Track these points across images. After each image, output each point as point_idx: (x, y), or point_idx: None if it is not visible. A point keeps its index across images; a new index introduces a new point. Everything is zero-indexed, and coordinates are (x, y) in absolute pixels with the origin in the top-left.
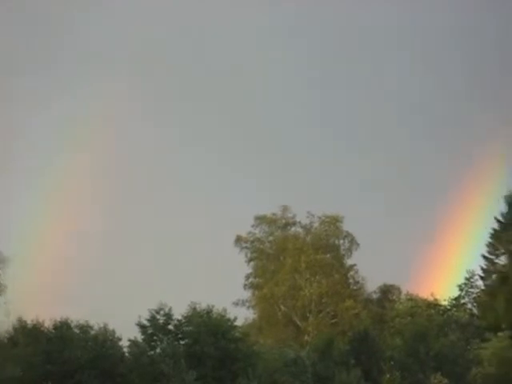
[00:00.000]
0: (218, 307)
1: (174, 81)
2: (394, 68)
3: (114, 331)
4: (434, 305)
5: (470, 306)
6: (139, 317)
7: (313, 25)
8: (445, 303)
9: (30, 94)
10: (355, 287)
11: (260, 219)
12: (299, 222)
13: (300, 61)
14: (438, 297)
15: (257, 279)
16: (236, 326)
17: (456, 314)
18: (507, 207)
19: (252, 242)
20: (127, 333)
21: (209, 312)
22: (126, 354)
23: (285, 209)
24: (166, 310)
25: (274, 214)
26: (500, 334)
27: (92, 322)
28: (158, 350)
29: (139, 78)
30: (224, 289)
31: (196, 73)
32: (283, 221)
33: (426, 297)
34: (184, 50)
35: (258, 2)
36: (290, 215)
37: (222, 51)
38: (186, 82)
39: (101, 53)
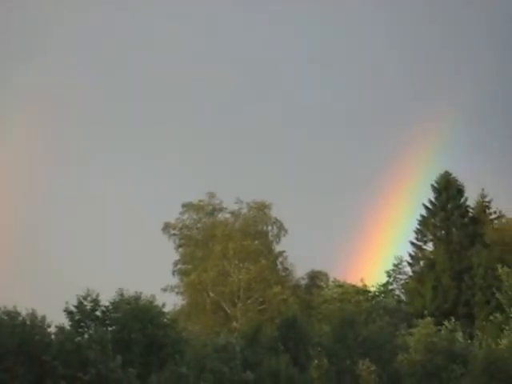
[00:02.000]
0: (146, 294)
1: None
2: (317, 53)
3: (44, 317)
4: (362, 291)
5: (398, 292)
6: (66, 303)
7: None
8: (373, 289)
9: None
10: (284, 274)
11: (187, 206)
12: (226, 209)
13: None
14: (366, 283)
15: (185, 266)
16: (164, 313)
17: (385, 300)
18: (435, 194)
19: (180, 228)
20: (59, 320)
21: (137, 298)
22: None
23: (211, 195)
24: (94, 296)
25: (201, 201)
26: (426, 319)
27: (20, 309)
28: (85, 336)
29: None
30: (153, 276)
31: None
32: (210, 207)
33: (354, 283)
34: None
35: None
36: (216, 202)
37: None
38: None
39: None
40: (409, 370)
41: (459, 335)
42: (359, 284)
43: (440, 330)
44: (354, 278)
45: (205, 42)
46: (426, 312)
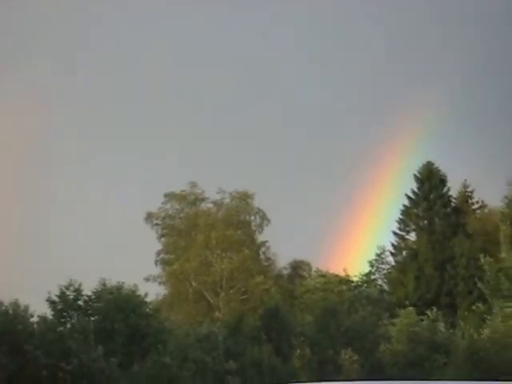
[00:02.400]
0: (129, 283)
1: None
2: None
3: (27, 307)
4: (345, 281)
5: (380, 281)
6: (49, 293)
7: None
8: (356, 279)
9: None
10: (266, 263)
11: (169, 196)
12: (208, 198)
13: None
14: (349, 273)
15: (168, 255)
16: (146, 302)
17: (367, 290)
18: (418, 184)
19: (163, 218)
20: (42, 310)
21: (119, 288)
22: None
23: (193, 185)
24: (76, 285)
25: (183, 191)
26: (408, 309)
27: (2, 298)
28: (68, 326)
29: None
30: (136, 265)
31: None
32: (193, 197)
33: (337, 273)
34: None
35: None
36: (198, 191)
37: None
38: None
39: None
40: (391, 360)
41: (441, 325)
42: (342, 274)
43: (422, 320)
44: (336, 268)
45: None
46: (407, 302)
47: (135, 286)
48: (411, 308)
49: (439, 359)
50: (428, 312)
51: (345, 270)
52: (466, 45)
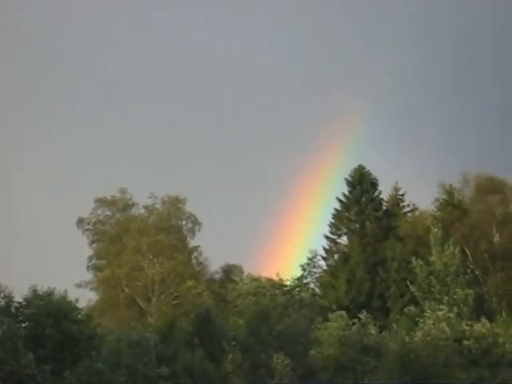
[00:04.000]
0: (59, 289)
1: None
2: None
3: None
4: (278, 285)
5: (312, 285)
6: None
7: None
8: (289, 283)
9: None
10: (198, 268)
11: (100, 201)
12: (137, 204)
13: None
14: (282, 277)
15: (99, 261)
16: (78, 308)
17: (301, 294)
18: (349, 187)
19: (94, 223)
20: None
21: (50, 294)
22: None
23: (123, 191)
24: (7, 292)
25: (113, 196)
26: (338, 313)
27: None
28: None
29: None
30: (68, 271)
31: None
32: (124, 202)
33: (270, 277)
34: None
35: None
36: (128, 197)
37: None
38: None
39: None
40: (322, 364)
41: (372, 328)
42: (275, 278)
43: (354, 324)
44: (269, 272)
45: None
46: (338, 305)
47: (65, 291)
48: (342, 311)
49: (370, 362)
50: (359, 315)
51: (278, 274)
52: (395, 49)
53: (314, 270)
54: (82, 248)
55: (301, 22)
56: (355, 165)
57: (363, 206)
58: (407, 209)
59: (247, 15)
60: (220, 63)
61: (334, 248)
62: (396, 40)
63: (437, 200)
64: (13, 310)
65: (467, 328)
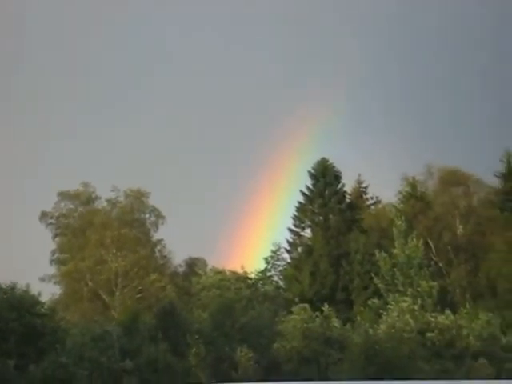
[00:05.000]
0: (22, 283)
1: None
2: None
3: None
4: (243, 278)
5: (276, 278)
6: None
7: None
8: (253, 276)
9: None
10: (162, 261)
11: (63, 195)
12: (100, 198)
13: None
14: (247, 270)
15: (63, 255)
16: (41, 302)
17: (265, 287)
18: (312, 180)
19: (57, 217)
20: None
21: (12, 288)
22: None
23: (86, 184)
24: None
25: (76, 190)
26: (301, 305)
27: None
28: None
29: None
30: (31, 265)
31: None
32: (86, 195)
33: (235, 270)
34: None
35: None
36: (91, 190)
37: None
38: None
39: None
40: (286, 356)
41: (335, 321)
42: (240, 271)
43: (317, 316)
44: (232, 265)
45: None
46: (302, 298)
47: (27, 285)
48: (305, 304)
49: (334, 355)
50: (323, 308)
51: (243, 266)
52: (366, 44)
53: (278, 262)
54: (46, 242)
55: (274, 8)
56: (319, 158)
57: (327, 198)
58: (370, 201)
59: None
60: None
61: (297, 241)
62: (360, 32)
63: (400, 192)
64: None
65: (432, 320)
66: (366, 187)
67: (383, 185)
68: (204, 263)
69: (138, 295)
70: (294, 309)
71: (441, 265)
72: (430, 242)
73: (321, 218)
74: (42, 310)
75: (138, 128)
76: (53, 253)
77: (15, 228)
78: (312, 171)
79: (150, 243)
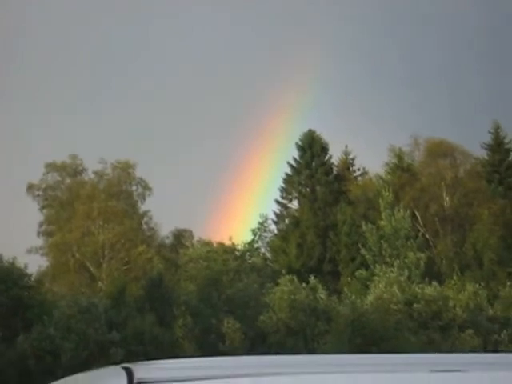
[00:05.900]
0: (8, 256)
1: None
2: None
3: None
4: (230, 249)
5: (263, 250)
6: None
7: None
8: (240, 248)
9: None
10: (149, 233)
11: (50, 166)
12: (87, 170)
13: None
14: (234, 241)
15: (50, 226)
16: (27, 274)
17: (253, 258)
18: (299, 152)
19: (44, 189)
20: None
21: None
22: None
23: (73, 156)
24: None
25: (63, 162)
26: (288, 277)
27: None
28: None
29: None
30: (18, 237)
31: None
32: (73, 167)
33: (222, 241)
34: None
35: None
36: (79, 162)
37: None
38: None
39: None
40: (273, 328)
41: (321, 292)
42: (227, 243)
43: (304, 288)
44: (219, 237)
45: None
46: (289, 270)
47: (14, 257)
48: (292, 276)
49: (320, 326)
50: (309, 279)
51: (230, 238)
52: (355, 19)
53: (265, 234)
54: (33, 214)
55: None
56: (306, 129)
57: (314, 170)
58: (357, 173)
59: None
60: None
61: (284, 212)
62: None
63: (387, 164)
64: None
65: (419, 291)
66: (353, 158)
67: (370, 156)
68: (191, 235)
69: (125, 267)
70: (281, 280)
71: (427, 236)
72: (417, 213)
73: (308, 189)
74: (29, 282)
75: (125, 100)
76: (40, 224)
77: (1, 200)
78: (299, 143)
79: (137, 215)
